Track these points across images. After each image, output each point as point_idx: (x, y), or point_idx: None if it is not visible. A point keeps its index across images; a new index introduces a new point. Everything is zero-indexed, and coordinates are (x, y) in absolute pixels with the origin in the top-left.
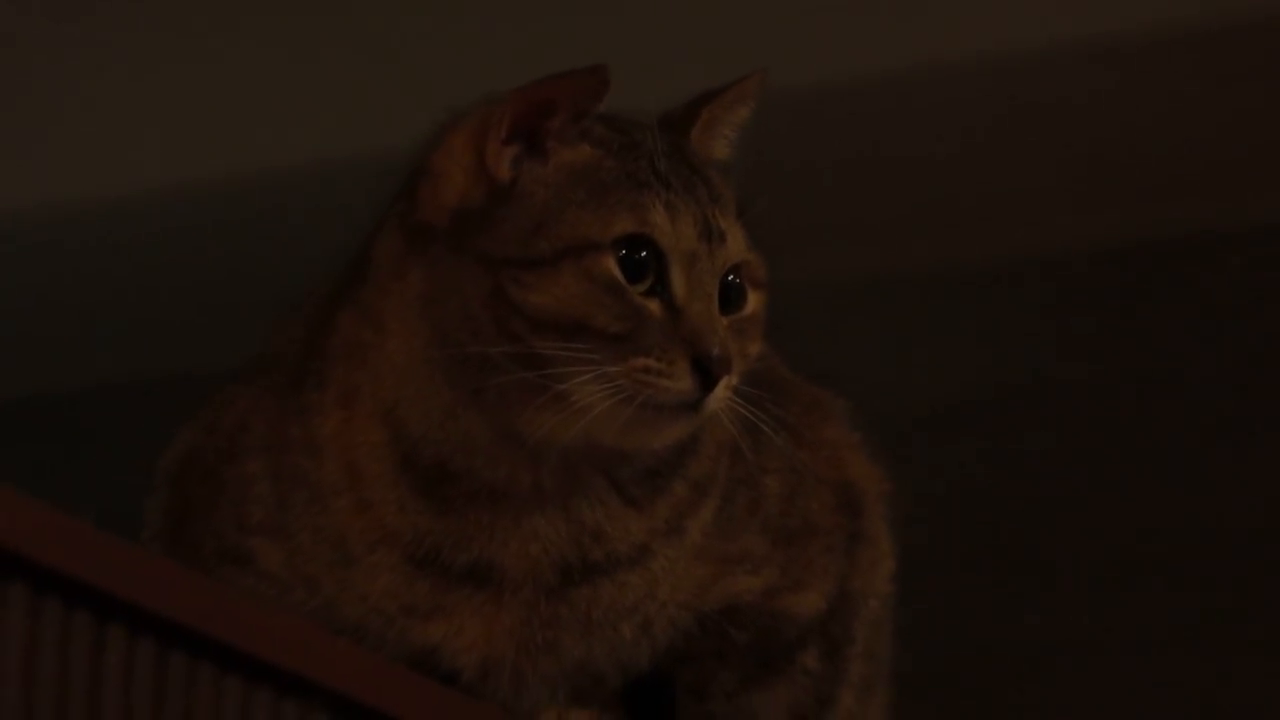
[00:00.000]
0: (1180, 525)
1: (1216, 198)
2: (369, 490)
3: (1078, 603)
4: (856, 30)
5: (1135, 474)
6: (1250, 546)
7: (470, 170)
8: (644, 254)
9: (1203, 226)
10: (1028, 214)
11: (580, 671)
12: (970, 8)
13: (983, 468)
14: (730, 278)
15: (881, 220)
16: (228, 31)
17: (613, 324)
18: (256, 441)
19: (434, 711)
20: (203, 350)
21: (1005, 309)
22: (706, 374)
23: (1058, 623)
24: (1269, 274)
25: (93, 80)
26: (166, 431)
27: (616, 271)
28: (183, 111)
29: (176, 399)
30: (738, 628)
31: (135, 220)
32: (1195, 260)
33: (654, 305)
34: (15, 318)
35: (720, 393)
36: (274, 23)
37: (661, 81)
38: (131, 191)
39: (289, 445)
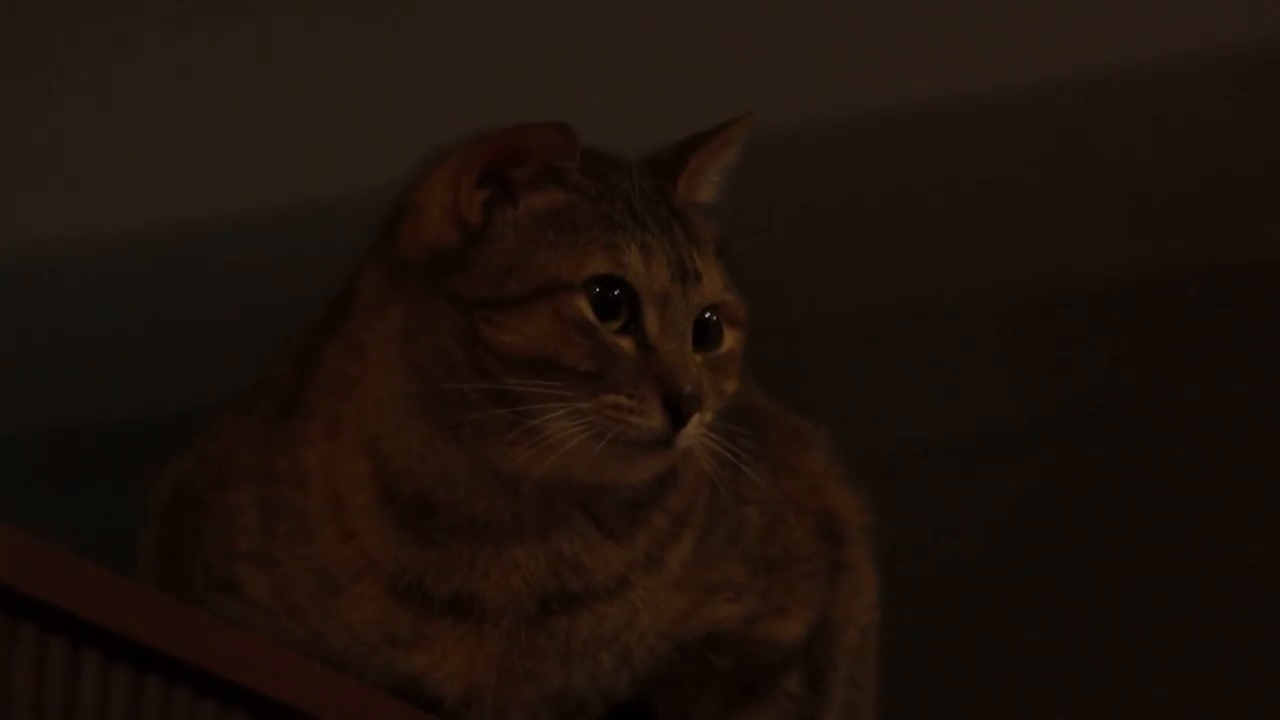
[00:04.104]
0: (1235, 544)
1: (1260, 226)
2: (352, 521)
3: (1129, 622)
4: (893, 60)
5: (1188, 498)
6: None
7: (446, 210)
8: (617, 293)
9: (1247, 253)
10: (1073, 242)
11: (561, 699)
12: (1012, 37)
13: (1033, 492)
14: (707, 315)
15: (925, 249)
16: (259, 64)
17: (584, 361)
18: (244, 470)
19: None
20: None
21: (1053, 333)
22: (677, 411)
23: (1109, 642)
24: None
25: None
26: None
27: (588, 311)
28: (204, 145)
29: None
30: (719, 654)
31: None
32: (1248, 284)
33: (626, 343)
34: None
35: (692, 429)
36: (298, 55)
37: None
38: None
39: (276, 475)
